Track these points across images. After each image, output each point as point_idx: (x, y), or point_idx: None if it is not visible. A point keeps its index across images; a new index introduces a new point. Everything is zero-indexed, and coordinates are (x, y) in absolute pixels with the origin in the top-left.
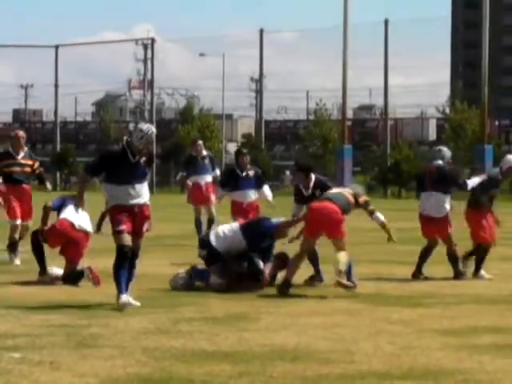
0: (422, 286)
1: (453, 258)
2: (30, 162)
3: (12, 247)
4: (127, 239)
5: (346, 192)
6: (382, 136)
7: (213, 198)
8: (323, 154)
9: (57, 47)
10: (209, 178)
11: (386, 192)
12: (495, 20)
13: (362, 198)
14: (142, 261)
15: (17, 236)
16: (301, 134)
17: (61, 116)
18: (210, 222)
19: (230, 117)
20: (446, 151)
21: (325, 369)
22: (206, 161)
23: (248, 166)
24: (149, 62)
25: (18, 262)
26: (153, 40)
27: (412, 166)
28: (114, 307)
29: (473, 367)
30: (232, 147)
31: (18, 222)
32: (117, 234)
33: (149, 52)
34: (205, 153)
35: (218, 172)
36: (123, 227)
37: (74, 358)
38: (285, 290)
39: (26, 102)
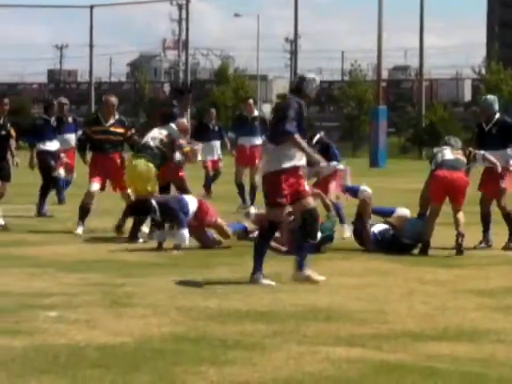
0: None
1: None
2: (121, 130)
3: (81, 214)
4: (284, 214)
5: (460, 155)
6: (417, 97)
7: (258, 162)
8: (358, 114)
9: (92, 7)
10: (257, 141)
11: (421, 153)
12: None
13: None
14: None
15: (89, 202)
16: (335, 94)
17: (95, 76)
18: (253, 189)
19: (264, 77)
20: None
21: (358, 329)
22: (257, 122)
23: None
24: (183, 23)
25: (79, 231)
26: (187, 0)
27: (447, 127)
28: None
29: (507, 327)
30: (267, 108)
31: (94, 188)
32: (278, 206)
33: (183, 12)
34: (256, 113)
35: None
36: (284, 200)
37: (109, 317)
38: (426, 251)
39: (60, 62)
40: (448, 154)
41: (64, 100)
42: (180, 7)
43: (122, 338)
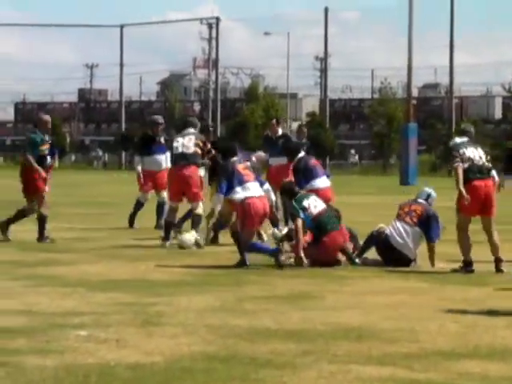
0: (486, 265)
1: None
2: None
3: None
4: None
5: (482, 153)
6: (447, 114)
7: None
8: (388, 132)
9: (122, 27)
10: (283, 160)
11: (451, 170)
12: None
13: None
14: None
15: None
16: (365, 112)
17: (126, 95)
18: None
19: (294, 96)
20: None
21: (389, 347)
22: (281, 141)
23: None
24: (213, 42)
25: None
26: (217, 19)
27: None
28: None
29: None
30: (296, 126)
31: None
32: None
33: (213, 31)
34: (280, 132)
35: None
36: None
37: (139, 336)
38: (469, 269)
39: (91, 81)
40: (470, 151)
41: (160, 120)
42: (210, 26)
43: (152, 357)
